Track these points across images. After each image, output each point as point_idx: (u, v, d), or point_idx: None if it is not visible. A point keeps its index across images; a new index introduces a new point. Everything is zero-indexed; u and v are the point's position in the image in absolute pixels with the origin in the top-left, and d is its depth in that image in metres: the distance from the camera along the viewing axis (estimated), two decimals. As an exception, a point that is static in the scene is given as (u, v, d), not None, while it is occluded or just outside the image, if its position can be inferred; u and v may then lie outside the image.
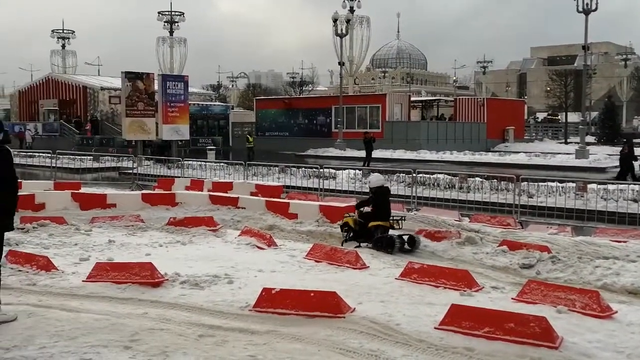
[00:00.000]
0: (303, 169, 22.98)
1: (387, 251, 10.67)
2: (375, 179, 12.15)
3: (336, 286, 7.54)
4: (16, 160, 34.04)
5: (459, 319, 6.21)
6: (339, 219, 12.79)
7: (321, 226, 13.07)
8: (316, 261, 9.59)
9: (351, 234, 11.64)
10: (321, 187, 19.30)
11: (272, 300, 6.86)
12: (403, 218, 11.88)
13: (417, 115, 57.02)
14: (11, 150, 6.78)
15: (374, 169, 22.94)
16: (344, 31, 48.80)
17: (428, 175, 19.48)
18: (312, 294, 6.83)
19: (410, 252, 10.83)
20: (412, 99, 56.91)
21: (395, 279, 8.46)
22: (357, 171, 21.62)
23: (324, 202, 14.94)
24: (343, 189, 19.44)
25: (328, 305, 6.68)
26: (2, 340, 5.86)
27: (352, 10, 51.01)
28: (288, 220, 13.77)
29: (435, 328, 6.23)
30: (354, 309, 6.81)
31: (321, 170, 20.28)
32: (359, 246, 11.10)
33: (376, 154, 34.23)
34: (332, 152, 43.02)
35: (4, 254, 9.21)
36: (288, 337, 6.07)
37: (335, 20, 48.32)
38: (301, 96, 79.62)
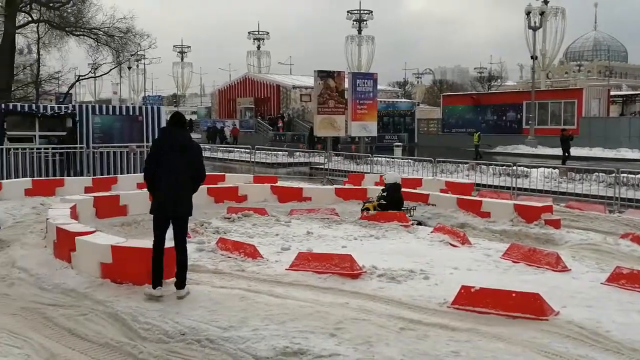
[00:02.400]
0: (493, 166, 22.41)
1: None
2: (390, 177, 14.27)
3: (536, 288, 7.26)
4: (218, 154, 36.93)
5: (679, 330, 5.76)
6: (536, 219, 12.59)
7: (516, 226, 12.68)
8: (513, 261, 9.32)
9: None
10: (514, 185, 18.73)
11: (471, 299, 6.79)
12: (414, 208, 13.98)
13: (616, 110, 53.34)
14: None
15: (571, 167, 21.84)
16: (537, 24, 46.85)
17: (632, 175, 18.17)
18: (513, 294, 6.67)
19: None
20: (612, 93, 53.21)
21: (601, 283, 7.99)
22: (552, 169, 20.69)
23: (519, 201, 14.49)
24: (538, 188, 18.72)
25: (531, 306, 6.49)
26: (219, 320, 6.38)
27: (546, 1, 48.82)
28: (480, 219, 13.52)
29: (650, 338, 5.84)
30: (558, 312, 6.55)
31: (514, 167, 19.66)
32: None
33: (571, 152, 32.47)
34: (523, 149, 41.50)
35: (214, 241, 10.09)
36: (489, 336, 5.98)
37: (528, 13, 46.52)
38: (490, 91, 77.59)
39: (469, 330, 6.13)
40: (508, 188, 18.78)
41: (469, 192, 16.69)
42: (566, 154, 31.00)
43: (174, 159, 7.25)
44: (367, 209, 13.75)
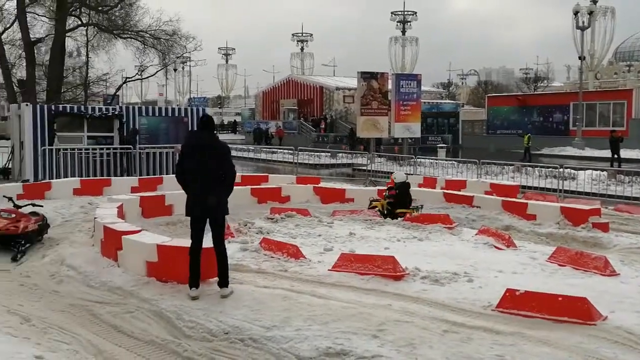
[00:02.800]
0: (539, 168, 22.05)
1: None
2: (400, 176, 14.37)
3: (584, 292, 7.12)
4: (262, 155, 37.14)
5: None
6: (583, 222, 12.41)
7: (562, 229, 12.47)
8: (559, 265, 9.14)
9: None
10: (560, 187, 18.39)
11: (516, 302, 6.69)
12: (422, 206, 14.01)
13: (668, 112, 51.89)
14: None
15: (620, 169, 21.36)
16: (585, 23, 45.90)
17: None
18: (560, 298, 6.55)
19: None
20: (663, 94, 51.78)
21: (651, 288, 7.81)
22: (600, 172, 20.26)
23: (566, 204, 14.22)
24: (585, 190, 18.35)
25: (578, 311, 6.37)
26: (263, 320, 6.42)
27: (594, 1, 47.78)
28: (526, 221, 13.33)
29: (703, 345, 5.67)
30: (606, 317, 6.41)
31: (561, 169, 19.31)
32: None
33: (621, 154, 31.72)
34: (570, 151, 40.72)
35: (258, 241, 10.15)
36: (535, 340, 5.89)
37: (576, 13, 45.60)
38: (536, 92, 76.35)
39: (514, 334, 6.04)
40: (554, 190, 18.47)
41: (514, 194, 16.47)
42: (615, 156, 30.31)
43: (198, 160, 7.35)
44: (375, 207, 14.12)
